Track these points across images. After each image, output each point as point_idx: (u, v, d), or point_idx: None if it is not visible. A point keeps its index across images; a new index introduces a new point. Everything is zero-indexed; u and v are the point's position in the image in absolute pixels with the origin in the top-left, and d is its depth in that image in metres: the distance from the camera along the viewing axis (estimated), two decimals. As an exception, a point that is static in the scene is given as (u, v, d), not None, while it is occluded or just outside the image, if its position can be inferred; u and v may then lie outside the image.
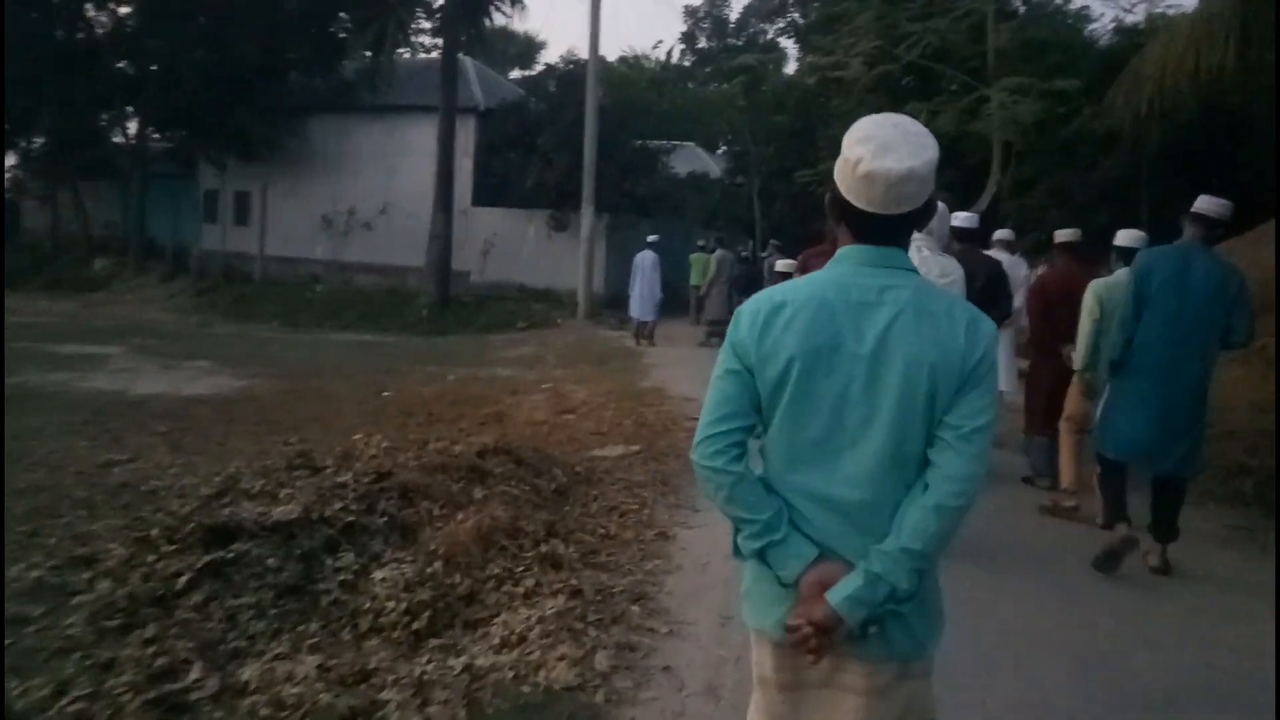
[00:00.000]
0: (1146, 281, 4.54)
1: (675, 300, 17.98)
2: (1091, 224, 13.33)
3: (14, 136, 24.70)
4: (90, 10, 22.77)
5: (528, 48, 43.53)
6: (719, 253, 15.29)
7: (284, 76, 22.19)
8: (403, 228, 21.41)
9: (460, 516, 4.40)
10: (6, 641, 3.28)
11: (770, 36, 28.90)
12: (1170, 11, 13.10)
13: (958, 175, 13.65)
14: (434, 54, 22.50)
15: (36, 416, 7.56)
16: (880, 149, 1.62)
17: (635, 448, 7.11)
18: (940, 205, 5.09)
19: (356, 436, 6.12)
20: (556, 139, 18.90)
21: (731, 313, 11.26)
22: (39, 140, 25.39)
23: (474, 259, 21.19)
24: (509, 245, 21.10)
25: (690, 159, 30.10)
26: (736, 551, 1.80)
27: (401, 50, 22.93)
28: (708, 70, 29.87)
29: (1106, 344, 4.97)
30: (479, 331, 18.05)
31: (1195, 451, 4.58)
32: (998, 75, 11.59)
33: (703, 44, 31.37)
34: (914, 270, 1.75)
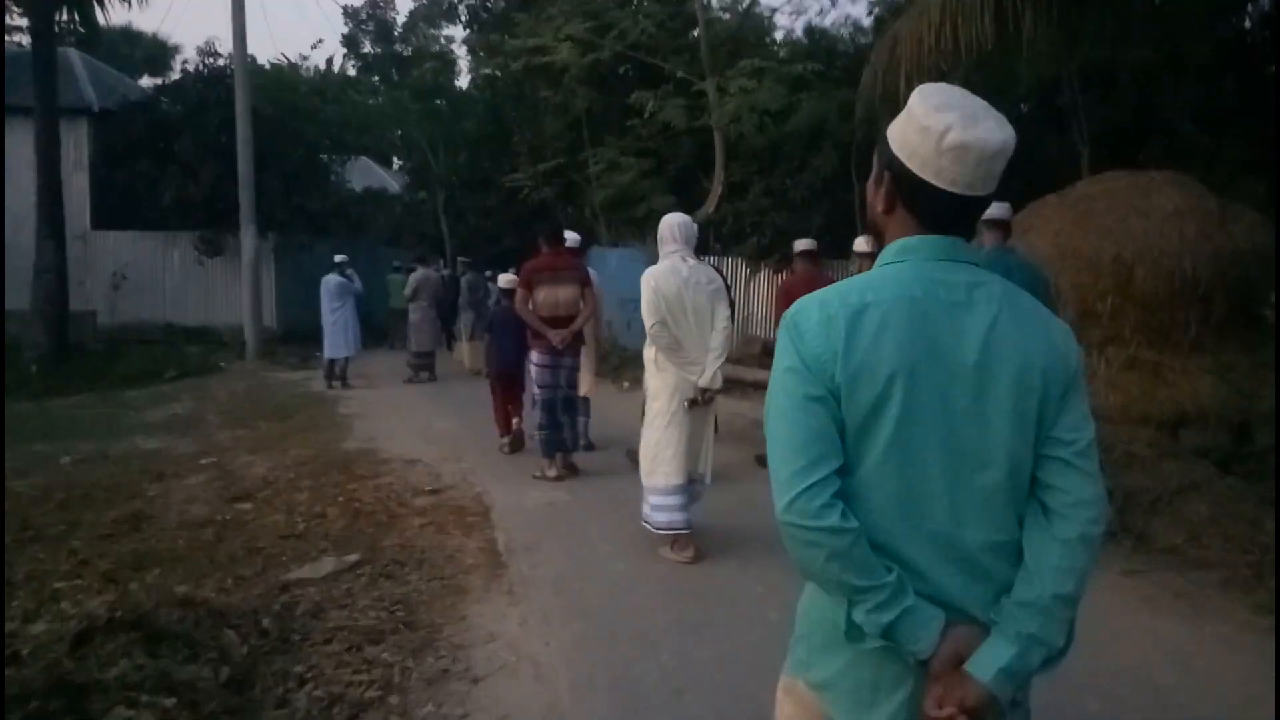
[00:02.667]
0: None
1: (369, 330, 15.50)
2: (810, 224, 13.09)
3: None
4: None
5: (159, 51, 37.60)
6: (420, 272, 13.06)
7: None
8: (-4, 261, 16.69)
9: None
10: None
11: (441, 45, 26.94)
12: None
13: (673, 179, 12.76)
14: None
15: None
16: (969, 117, 1.38)
17: (352, 557, 4.97)
18: (682, 215, 5.14)
19: None
20: (200, 146, 15.58)
21: (439, 343, 8.68)
22: None
23: (101, 295, 17.04)
24: (147, 276, 17.23)
25: (365, 174, 27.36)
26: (851, 633, 1.39)
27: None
28: (375, 79, 27.27)
29: None
30: (114, 387, 14.24)
31: None
32: (714, 68, 10.74)
33: (367, 48, 28.71)
34: (980, 265, 1.46)
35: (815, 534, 1.34)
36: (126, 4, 15.43)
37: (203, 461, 8.12)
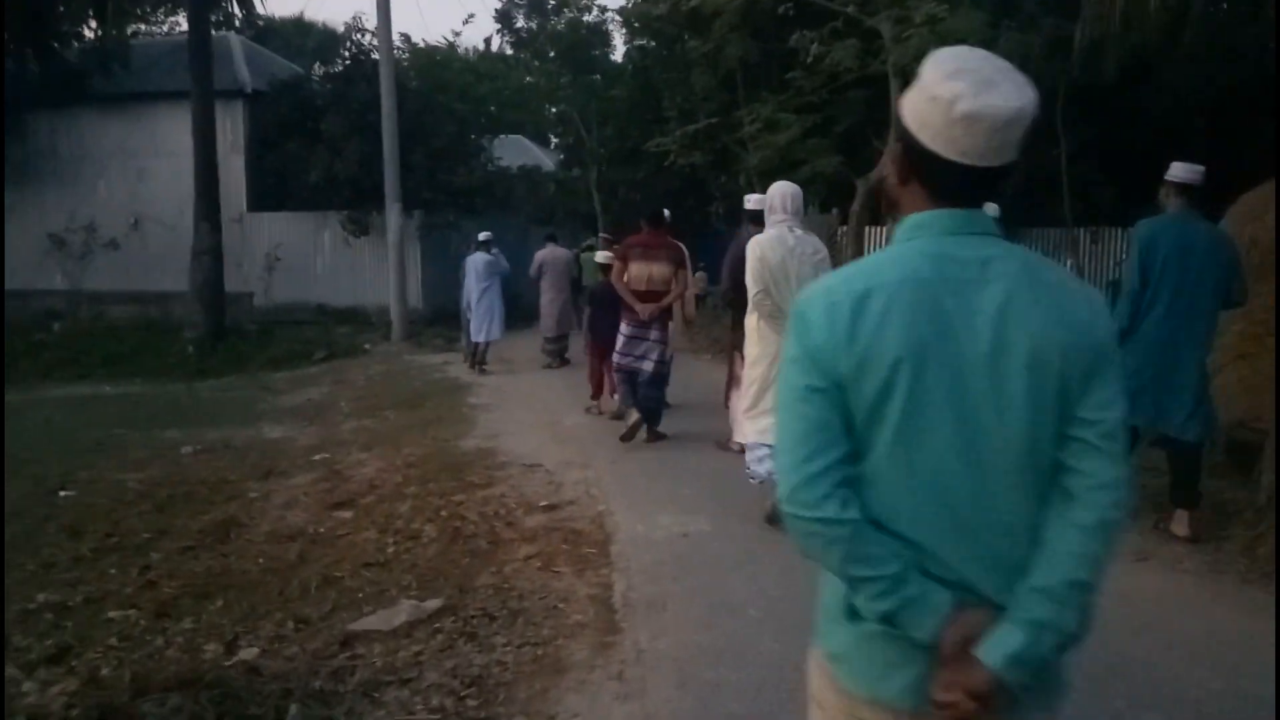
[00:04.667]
0: (1152, 252, 4.61)
1: (518, 311, 14.77)
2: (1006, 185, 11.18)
3: None
4: None
5: (329, 40, 38.77)
6: (545, 250, 11.90)
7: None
8: (161, 244, 17.11)
9: None
10: None
11: (594, 15, 25.96)
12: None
13: (840, 138, 11.14)
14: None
15: None
16: (982, 84, 1.30)
17: (434, 603, 3.94)
18: (791, 184, 5.26)
19: None
20: (346, 123, 15.26)
21: (572, 324, 6.05)
22: None
23: (257, 277, 17.16)
24: (300, 257, 17.19)
25: (521, 153, 26.95)
26: (851, 614, 1.41)
27: (143, 26, 18.48)
28: (528, 56, 26.64)
29: None
30: (265, 368, 14.20)
31: (1204, 416, 4.68)
32: (889, 3, 9.09)
33: (521, 24, 28.14)
34: (1001, 235, 1.40)
35: (813, 524, 1.34)
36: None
37: (315, 458, 7.45)
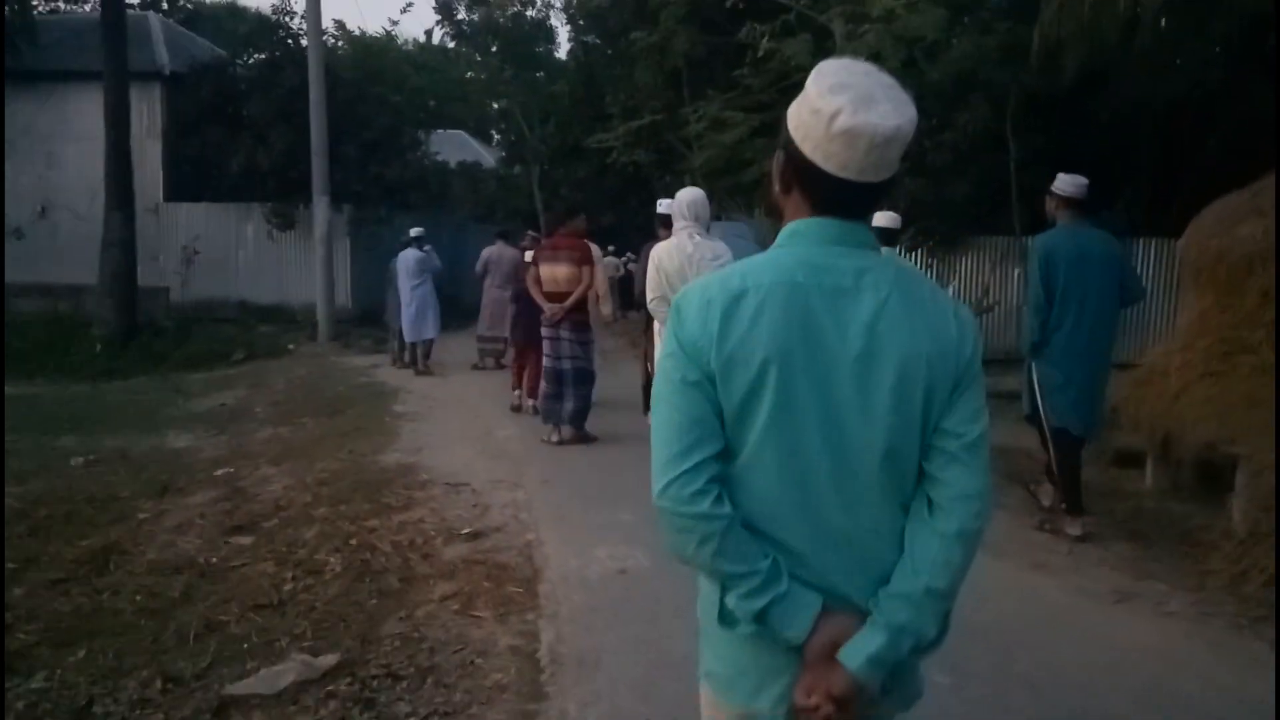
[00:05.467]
0: (1053, 265, 4.72)
1: (455, 310, 14.16)
2: (953, 193, 10.96)
3: None
4: None
5: (264, 27, 37.28)
6: (493, 248, 11.43)
7: None
8: (72, 234, 16.04)
9: None
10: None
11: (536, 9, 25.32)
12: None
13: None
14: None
15: None
16: (861, 100, 1.31)
17: (328, 659, 3.39)
18: (696, 190, 5.53)
19: None
20: (271, 110, 14.43)
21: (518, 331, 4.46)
22: None
23: (174, 270, 16.18)
24: (220, 250, 16.26)
25: (461, 148, 26.23)
26: (725, 618, 1.41)
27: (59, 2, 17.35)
28: (466, 49, 25.89)
29: None
30: (180, 369, 13.32)
31: (1101, 414, 5.02)
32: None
33: (462, 15, 27.38)
34: (879, 249, 1.45)
35: (686, 520, 1.34)
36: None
37: (219, 473, 6.78)
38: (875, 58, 8.10)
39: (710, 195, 5.87)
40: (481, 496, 5.55)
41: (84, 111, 15.38)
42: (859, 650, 1.32)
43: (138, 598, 4.40)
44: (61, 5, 19.81)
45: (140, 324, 14.56)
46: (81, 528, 5.62)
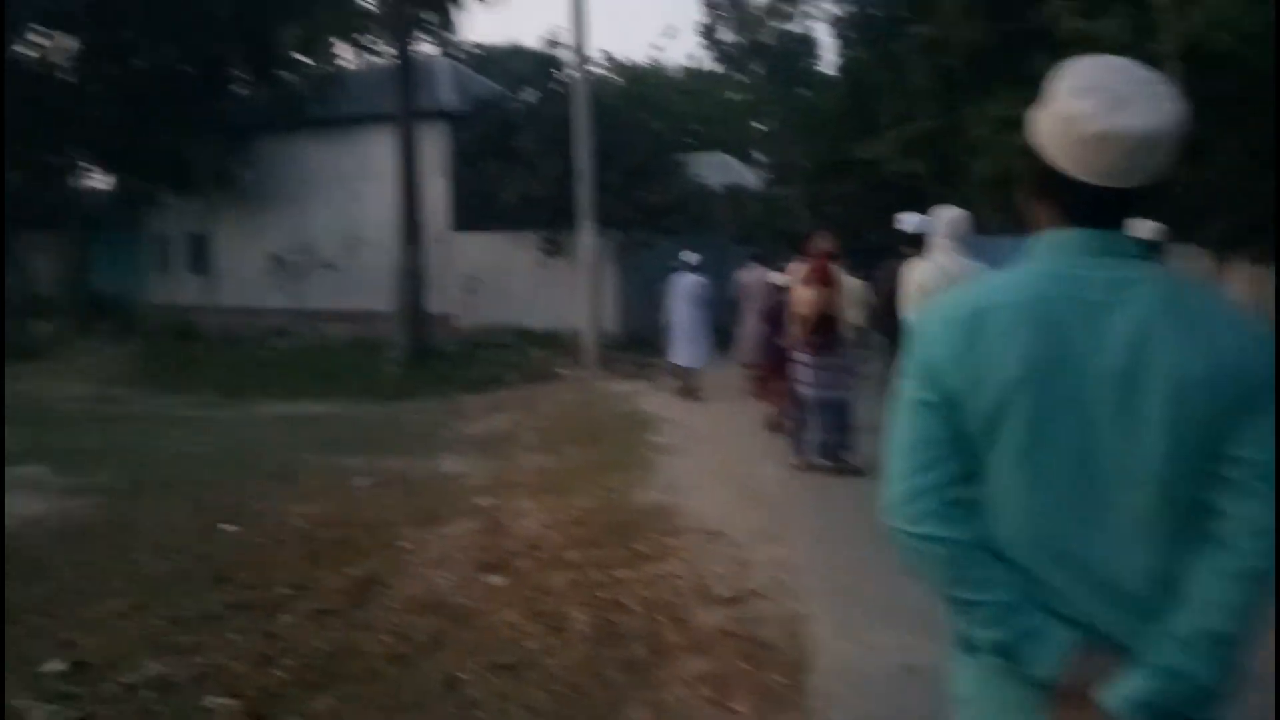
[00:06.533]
0: None
1: (716, 337, 13.88)
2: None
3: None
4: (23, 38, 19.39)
5: (540, 63, 39.77)
6: (749, 272, 11.03)
7: (220, 92, 18.52)
8: (372, 265, 17.63)
9: None
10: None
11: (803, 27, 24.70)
12: None
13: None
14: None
15: None
16: (1114, 101, 1.24)
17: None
18: (953, 211, 5.28)
19: None
20: (541, 141, 14.95)
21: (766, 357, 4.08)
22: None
23: (457, 297, 17.26)
24: (499, 278, 17.15)
25: (724, 170, 26.18)
26: (966, 646, 1.37)
27: (364, 55, 19.24)
28: (730, 71, 25.78)
29: None
30: (461, 390, 14.05)
31: None
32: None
33: (725, 37, 27.39)
34: (1148, 258, 1.36)
35: (921, 544, 1.31)
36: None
37: (481, 502, 6.76)
38: (1203, 37, 6.67)
39: (996, 207, 5.29)
40: (741, 550, 4.99)
41: (380, 152, 16.86)
42: (1124, 692, 1.23)
43: (388, 638, 4.29)
44: (362, 56, 22.08)
45: (429, 348, 15.61)
46: (351, 554, 5.73)
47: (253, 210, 19.30)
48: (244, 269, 19.81)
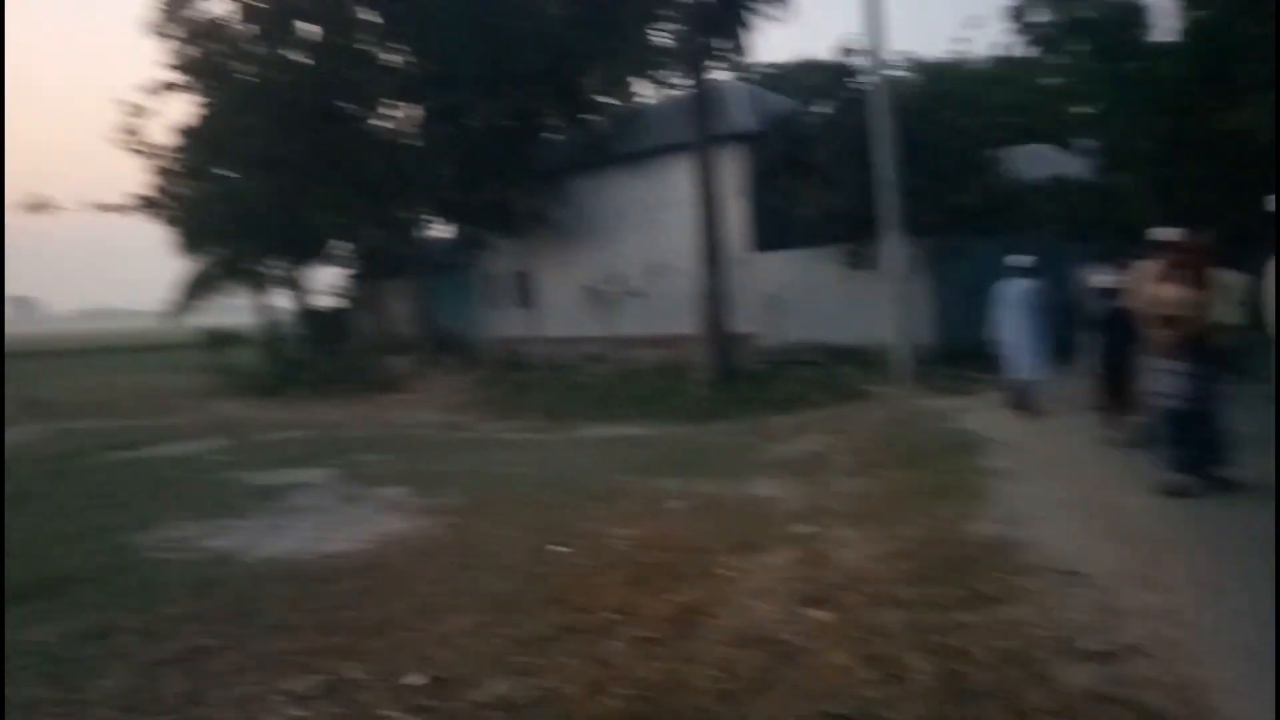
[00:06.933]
0: None
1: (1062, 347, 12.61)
2: None
3: (326, 246, 25.45)
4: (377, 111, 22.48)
5: (834, 73, 39.05)
6: (1099, 276, 9.78)
7: (535, 139, 20.07)
8: (676, 289, 18.12)
9: None
10: None
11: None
12: None
13: None
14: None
15: (63, 619, 5.24)
16: None
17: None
18: None
19: None
20: (838, 152, 14.49)
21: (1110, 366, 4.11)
22: (347, 245, 26.02)
23: (760, 317, 17.21)
24: (801, 295, 16.87)
25: (1043, 163, 23.98)
26: None
27: (661, 89, 19.97)
28: (1046, 52, 23.48)
29: None
30: (767, 411, 13.93)
31: None
32: None
33: (1036, 19, 25.02)
34: None
35: None
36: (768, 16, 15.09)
37: (798, 529, 6.51)
38: None
39: None
40: (1106, 595, 4.29)
41: (680, 179, 17.30)
42: None
43: (714, 672, 4.16)
44: (659, 91, 22.94)
45: (734, 369, 15.69)
46: (672, 580, 5.73)
47: (568, 245, 20.69)
48: (562, 300, 21.26)
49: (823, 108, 16.94)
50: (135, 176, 63.89)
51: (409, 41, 20.03)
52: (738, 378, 15.59)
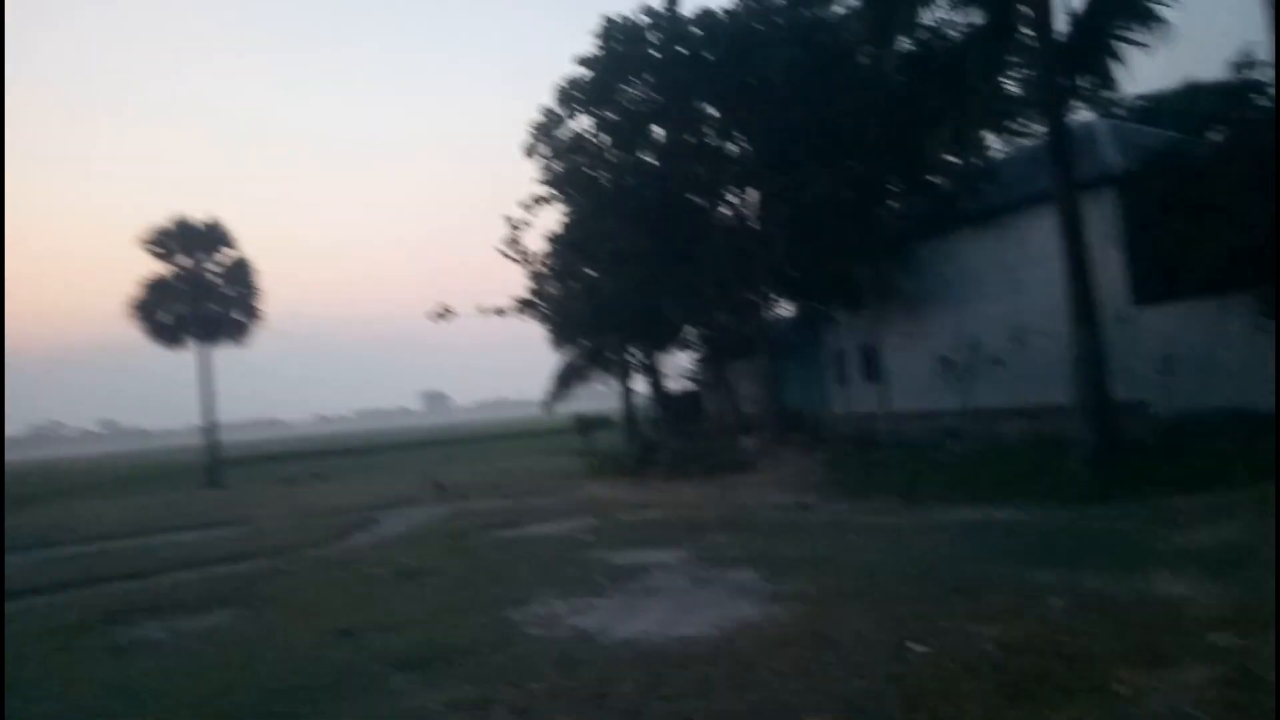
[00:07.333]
0: None
1: None
2: None
3: (678, 331, 26.77)
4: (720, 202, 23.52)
5: (1227, 94, 34.00)
6: None
7: (875, 208, 19.50)
8: (1043, 354, 16.40)
9: None
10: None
11: None
12: None
13: None
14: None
15: (450, 688, 5.94)
16: None
17: None
18: None
19: None
20: (1238, 183, 12.30)
21: None
22: (697, 330, 27.14)
23: (1149, 381, 14.95)
24: (1201, 354, 14.40)
25: None
26: None
27: (1009, 140, 18.59)
28: None
29: None
30: (1166, 492, 11.91)
31: None
32: None
33: None
34: None
35: None
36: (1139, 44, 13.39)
37: (1219, 638, 5.31)
38: None
39: None
40: None
41: (1040, 234, 15.79)
42: None
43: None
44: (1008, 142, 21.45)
45: (1119, 443, 13.70)
46: (1052, 693, 4.89)
47: (915, 314, 19.74)
48: (913, 372, 20.23)
49: (1214, 134, 14.66)
50: (516, 282, 73.83)
51: (746, 129, 20.75)
52: (1124, 452, 13.55)
